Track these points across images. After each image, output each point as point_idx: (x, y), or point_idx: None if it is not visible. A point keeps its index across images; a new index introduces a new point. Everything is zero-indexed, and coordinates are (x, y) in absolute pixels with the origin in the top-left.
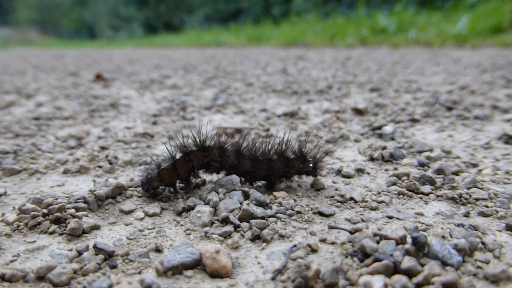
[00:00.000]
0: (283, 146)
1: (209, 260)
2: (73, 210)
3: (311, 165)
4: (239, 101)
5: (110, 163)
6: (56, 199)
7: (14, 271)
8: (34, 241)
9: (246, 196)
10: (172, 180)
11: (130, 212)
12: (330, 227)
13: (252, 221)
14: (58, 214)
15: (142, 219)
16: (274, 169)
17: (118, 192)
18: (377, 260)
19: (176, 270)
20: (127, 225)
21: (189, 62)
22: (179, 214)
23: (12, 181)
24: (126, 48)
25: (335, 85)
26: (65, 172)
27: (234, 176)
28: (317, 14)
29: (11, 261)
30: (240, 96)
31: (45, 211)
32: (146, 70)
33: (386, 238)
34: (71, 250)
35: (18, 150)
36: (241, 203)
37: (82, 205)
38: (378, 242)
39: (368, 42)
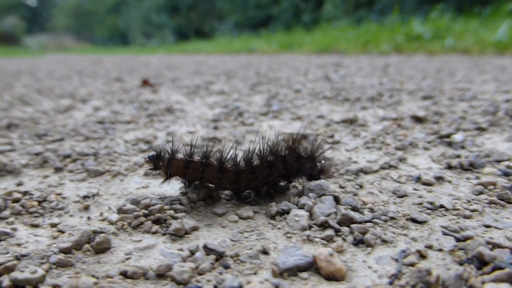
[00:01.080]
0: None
1: (324, 263)
2: (172, 212)
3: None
4: (292, 108)
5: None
6: (151, 200)
7: (135, 269)
8: (140, 240)
9: (336, 200)
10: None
11: (223, 214)
12: (445, 234)
13: (353, 225)
14: (159, 214)
15: (236, 221)
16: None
17: (208, 195)
18: (497, 268)
19: (291, 272)
20: (224, 227)
21: (227, 68)
22: (272, 217)
23: (97, 182)
24: (158, 54)
25: (385, 92)
26: (146, 174)
27: (323, 181)
28: (349, 21)
29: (126, 259)
30: (291, 103)
31: (145, 211)
32: (187, 76)
33: (499, 246)
34: (180, 249)
35: (96, 152)
36: (335, 208)
37: (179, 206)
38: (491, 250)
39: (403, 49)
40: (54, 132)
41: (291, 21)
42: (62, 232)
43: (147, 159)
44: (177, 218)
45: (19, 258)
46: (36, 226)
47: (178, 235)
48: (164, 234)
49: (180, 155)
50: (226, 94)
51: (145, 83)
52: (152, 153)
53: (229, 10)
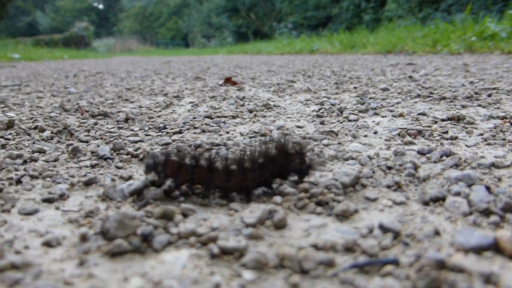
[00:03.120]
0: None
1: (508, 243)
2: (332, 195)
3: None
4: (387, 105)
5: (319, 157)
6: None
7: (324, 242)
8: (309, 220)
9: (488, 190)
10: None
11: (375, 199)
12: None
13: None
14: (321, 197)
15: (391, 206)
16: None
17: (356, 181)
18: None
19: (475, 251)
20: (381, 210)
21: (299, 67)
22: (425, 203)
23: None
24: (219, 54)
25: (481, 91)
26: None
27: (471, 171)
28: (414, 20)
29: (307, 235)
30: (384, 101)
31: (307, 194)
32: (263, 75)
33: None
34: (355, 227)
35: (225, 143)
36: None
37: (336, 190)
38: None
39: (476, 49)
40: (170, 125)
41: (352, 20)
42: (235, 210)
43: (146, 170)
44: (338, 201)
45: (213, 230)
46: (205, 205)
47: (344, 216)
48: (329, 215)
49: (173, 157)
50: (313, 92)
51: (228, 81)
52: (148, 162)
53: (288, 11)
